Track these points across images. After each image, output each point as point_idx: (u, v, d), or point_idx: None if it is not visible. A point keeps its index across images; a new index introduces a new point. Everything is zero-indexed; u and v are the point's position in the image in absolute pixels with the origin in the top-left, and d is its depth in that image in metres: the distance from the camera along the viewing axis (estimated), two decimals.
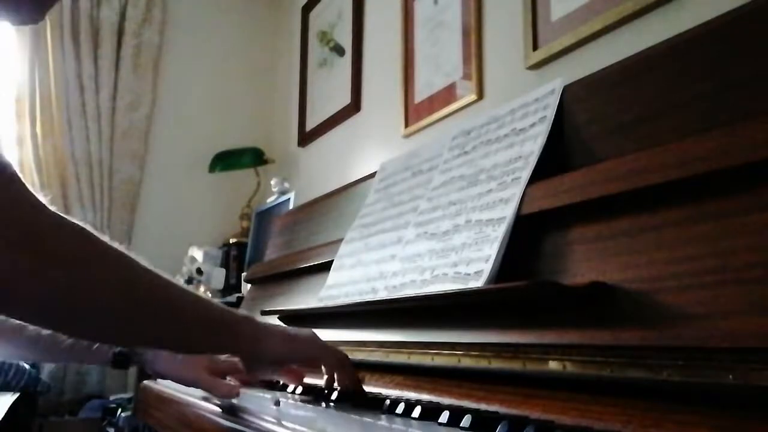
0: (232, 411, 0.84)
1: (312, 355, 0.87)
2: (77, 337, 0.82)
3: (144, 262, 0.71)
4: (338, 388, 0.90)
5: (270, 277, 1.54)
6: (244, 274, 2.05)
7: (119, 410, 2.31)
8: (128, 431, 2.17)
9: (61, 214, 0.61)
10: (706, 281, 0.55)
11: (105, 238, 0.66)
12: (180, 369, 1.02)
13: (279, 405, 0.86)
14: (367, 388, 0.91)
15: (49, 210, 0.59)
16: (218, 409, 0.88)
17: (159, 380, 1.26)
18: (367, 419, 0.74)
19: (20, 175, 0.57)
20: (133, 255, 0.70)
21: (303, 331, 0.87)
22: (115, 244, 0.67)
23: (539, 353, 0.67)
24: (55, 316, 0.63)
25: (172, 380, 1.08)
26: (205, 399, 0.96)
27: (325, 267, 1.23)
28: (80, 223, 0.62)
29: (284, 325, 0.91)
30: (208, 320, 0.76)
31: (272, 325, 0.84)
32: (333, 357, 0.89)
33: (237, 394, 0.94)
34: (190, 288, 0.95)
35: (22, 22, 0.68)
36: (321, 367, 0.90)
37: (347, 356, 0.91)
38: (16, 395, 2.17)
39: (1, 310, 0.62)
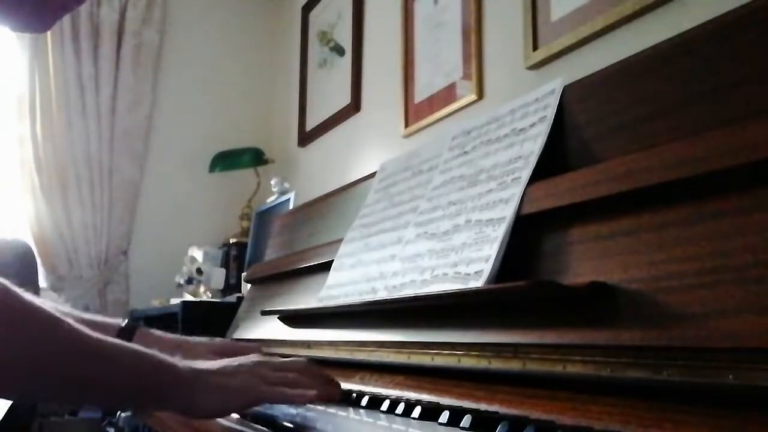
0: None
1: (254, 402, 0.75)
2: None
3: (76, 324, 0.66)
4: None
5: (270, 277, 1.54)
6: (244, 274, 2.05)
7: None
8: (128, 431, 2.17)
9: None
10: (706, 281, 0.55)
11: (43, 304, 0.63)
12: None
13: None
14: (367, 389, 0.91)
15: None
16: None
17: None
18: (368, 419, 0.74)
19: None
20: (63, 316, 0.65)
21: (243, 373, 0.75)
22: (46, 304, 0.64)
23: (539, 353, 0.67)
24: None
25: None
26: None
27: (325, 267, 1.23)
28: None
29: (222, 366, 0.76)
30: (142, 381, 0.70)
31: (208, 375, 0.73)
32: (275, 389, 0.75)
33: None
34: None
35: (24, 30, 0.68)
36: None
37: (305, 367, 0.80)
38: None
39: None
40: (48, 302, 0.67)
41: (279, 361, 0.80)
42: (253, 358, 0.79)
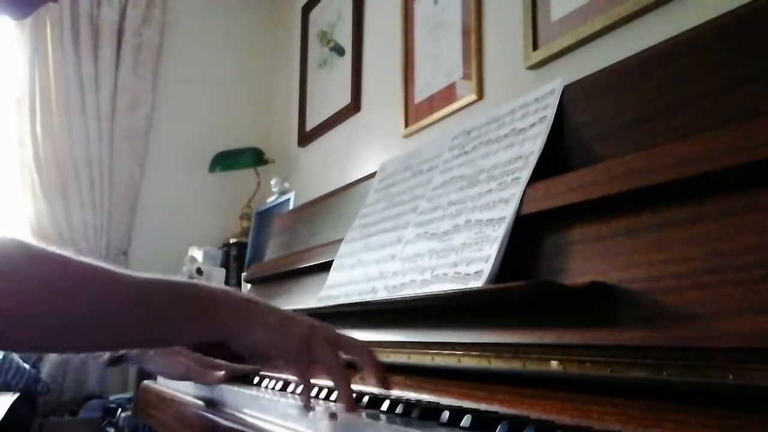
0: (230, 410, 0.84)
1: (304, 340, 0.71)
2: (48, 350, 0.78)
3: (96, 261, 0.66)
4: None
5: (270, 277, 1.54)
6: (244, 274, 2.05)
7: (119, 410, 2.32)
8: (128, 431, 2.17)
9: None
10: (706, 281, 0.55)
11: (43, 245, 0.63)
12: (169, 364, 1.02)
13: (336, 418, 0.73)
14: (367, 388, 0.91)
15: None
16: (218, 410, 0.88)
17: (159, 380, 1.26)
18: (368, 419, 0.74)
19: None
20: (80, 257, 0.65)
21: (306, 322, 0.72)
22: (57, 249, 0.64)
23: (539, 353, 0.67)
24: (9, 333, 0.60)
25: (163, 376, 1.09)
26: (207, 402, 0.96)
27: (325, 267, 1.23)
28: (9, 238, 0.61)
29: (290, 312, 0.74)
30: (189, 307, 0.69)
31: (260, 307, 0.72)
32: (331, 350, 0.72)
33: (227, 379, 0.94)
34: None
35: (3, 14, 0.68)
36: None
37: (335, 365, 0.72)
38: (16, 395, 2.17)
39: None
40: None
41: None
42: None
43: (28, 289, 0.60)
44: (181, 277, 0.72)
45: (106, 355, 1.11)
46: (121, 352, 1.08)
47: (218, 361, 0.99)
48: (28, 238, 0.65)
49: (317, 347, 0.71)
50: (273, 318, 0.71)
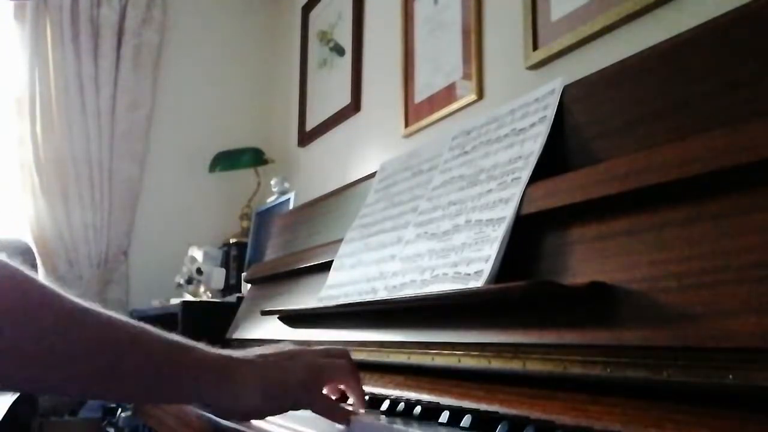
0: None
1: (298, 406, 0.70)
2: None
3: (101, 309, 0.61)
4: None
5: (270, 277, 1.54)
6: (244, 274, 2.05)
7: (119, 410, 2.31)
8: (128, 431, 2.17)
9: None
10: (706, 281, 0.55)
11: (52, 285, 0.58)
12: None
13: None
14: (367, 388, 0.91)
15: None
16: None
17: None
18: (368, 419, 0.74)
19: None
20: (89, 304, 0.60)
21: (289, 373, 0.68)
22: (67, 293, 0.59)
23: (539, 353, 0.67)
24: None
25: None
26: None
27: (325, 267, 1.23)
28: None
29: (270, 356, 0.70)
30: (181, 376, 0.63)
31: (248, 369, 0.66)
32: (319, 406, 0.71)
33: None
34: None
35: None
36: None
37: (332, 404, 0.73)
38: (16, 395, 2.17)
39: None
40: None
41: (327, 360, 0.73)
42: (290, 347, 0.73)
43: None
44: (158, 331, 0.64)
45: None
46: None
47: None
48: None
49: (317, 397, 0.71)
50: (264, 382, 0.67)
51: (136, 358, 0.61)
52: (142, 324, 0.63)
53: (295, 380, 0.68)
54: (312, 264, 1.32)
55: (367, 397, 0.83)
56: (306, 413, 0.77)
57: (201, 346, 0.66)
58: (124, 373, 0.61)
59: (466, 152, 0.99)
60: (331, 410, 0.71)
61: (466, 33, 1.88)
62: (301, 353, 0.72)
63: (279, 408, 0.68)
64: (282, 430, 0.72)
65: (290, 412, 0.70)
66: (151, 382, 0.62)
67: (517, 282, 0.72)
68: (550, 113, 0.84)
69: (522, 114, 0.90)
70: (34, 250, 2.71)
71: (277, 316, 1.29)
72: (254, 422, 0.77)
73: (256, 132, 3.24)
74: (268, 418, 0.75)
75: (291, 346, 0.73)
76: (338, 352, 0.75)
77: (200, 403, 0.69)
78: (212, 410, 0.71)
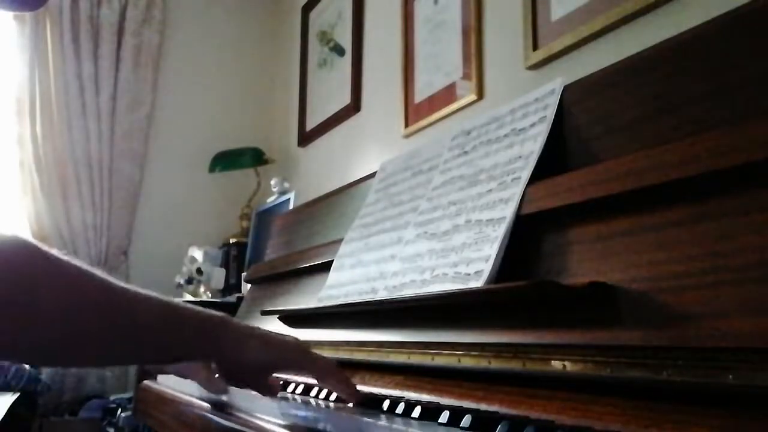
0: (230, 410, 0.84)
1: (297, 364, 0.81)
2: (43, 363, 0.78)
3: (105, 275, 0.65)
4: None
5: (270, 277, 1.54)
6: (244, 274, 2.05)
7: (119, 410, 2.32)
8: (128, 431, 2.17)
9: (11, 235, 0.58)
10: (706, 281, 0.55)
11: (58, 254, 0.62)
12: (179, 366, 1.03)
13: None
14: (367, 388, 0.91)
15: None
16: (218, 410, 0.88)
17: (159, 380, 1.26)
18: (367, 419, 0.74)
19: None
20: (92, 269, 0.64)
21: (287, 337, 0.80)
22: (73, 260, 0.63)
23: (539, 353, 0.67)
24: (23, 348, 0.60)
25: (172, 373, 1.11)
26: (213, 404, 0.96)
27: (325, 267, 1.23)
28: (28, 239, 0.60)
29: (266, 329, 0.81)
30: (183, 327, 0.71)
31: (254, 329, 0.78)
32: (318, 365, 0.81)
33: (226, 391, 0.95)
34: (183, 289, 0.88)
35: (19, 8, 0.67)
36: (307, 374, 0.84)
37: (333, 363, 0.84)
38: (16, 395, 2.17)
39: None
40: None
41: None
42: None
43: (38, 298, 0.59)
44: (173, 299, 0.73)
45: None
46: None
47: None
48: (34, 239, 0.63)
49: (315, 361, 0.79)
50: (271, 336, 0.77)
51: (145, 318, 0.66)
52: (146, 291, 0.68)
53: (292, 340, 0.78)
54: (312, 264, 1.32)
55: (367, 398, 0.84)
56: (305, 413, 0.77)
57: (211, 312, 0.74)
58: (134, 333, 0.66)
59: (466, 152, 0.99)
60: (332, 373, 0.80)
61: (466, 33, 1.88)
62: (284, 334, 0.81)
63: (282, 360, 0.77)
64: (282, 431, 0.72)
65: (289, 413, 0.70)
66: (158, 339, 0.69)
67: (517, 282, 0.72)
68: (550, 113, 0.84)
69: (522, 114, 0.90)
70: None
71: (277, 316, 1.29)
72: (255, 421, 0.77)
73: (256, 132, 3.24)
74: (269, 418, 0.75)
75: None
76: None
77: (206, 357, 0.78)
78: (220, 365, 0.77)
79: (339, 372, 0.82)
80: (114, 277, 0.66)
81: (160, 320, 0.68)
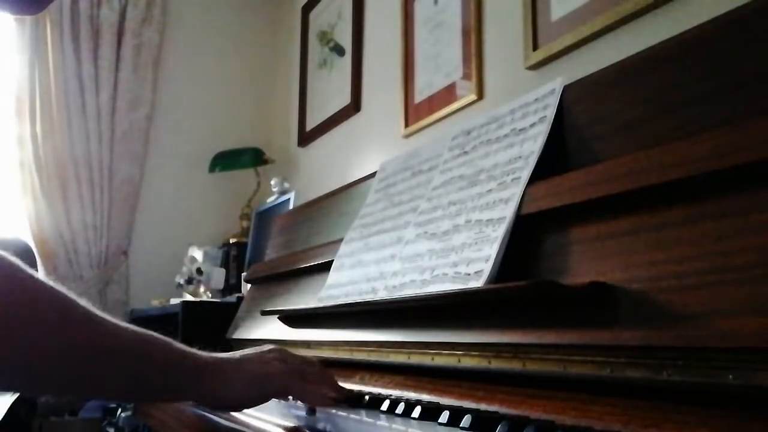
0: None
1: (283, 393, 0.79)
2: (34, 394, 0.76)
3: (89, 305, 0.63)
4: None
5: (270, 277, 1.54)
6: (244, 274, 2.05)
7: (119, 410, 2.31)
8: (128, 431, 2.17)
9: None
10: (706, 281, 0.55)
11: (44, 279, 0.60)
12: None
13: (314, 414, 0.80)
14: (367, 388, 0.91)
15: None
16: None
17: None
18: (367, 419, 0.74)
19: None
20: (76, 297, 0.62)
21: (272, 361, 0.77)
22: (56, 286, 0.61)
23: (539, 353, 0.67)
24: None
25: None
26: None
27: (325, 267, 1.23)
28: (9, 260, 0.57)
29: (252, 354, 0.78)
30: (165, 367, 0.68)
31: (239, 364, 0.75)
32: (306, 390, 0.79)
33: None
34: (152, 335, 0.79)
35: (20, 12, 0.67)
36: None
37: (322, 374, 0.83)
38: (16, 395, 2.17)
39: None
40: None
41: (300, 356, 0.83)
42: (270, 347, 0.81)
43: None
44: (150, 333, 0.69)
45: None
46: None
47: None
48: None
49: (302, 369, 0.79)
50: (253, 370, 0.76)
51: (143, 364, 0.65)
52: (144, 331, 0.67)
53: (274, 370, 0.76)
54: (312, 264, 1.32)
55: (367, 397, 0.84)
56: (304, 413, 0.77)
57: (194, 350, 0.72)
58: (114, 373, 0.64)
59: (466, 152, 0.99)
60: (306, 394, 0.79)
61: (466, 33, 1.88)
62: (279, 349, 0.81)
63: (264, 395, 0.77)
64: (277, 429, 0.72)
65: (289, 413, 0.70)
66: (155, 385, 0.69)
67: (517, 282, 0.72)
68: (550, 113, 0.84)
69: (522, 114, 0.90)
70: (34, 250, 2.71)
71: (277, 316, 1.29)
72: (253, 423, 0.77)
73: (256, 132, 3.24)
74: (268, 419, 0.75)
75: (270, 346, 0.82)
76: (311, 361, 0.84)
77: (197, 399, 0.76)
78: (208, 403, 0.78)
79: (329, 382, 0.82)
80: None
81: (136, 352, 0.66)
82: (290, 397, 0.83)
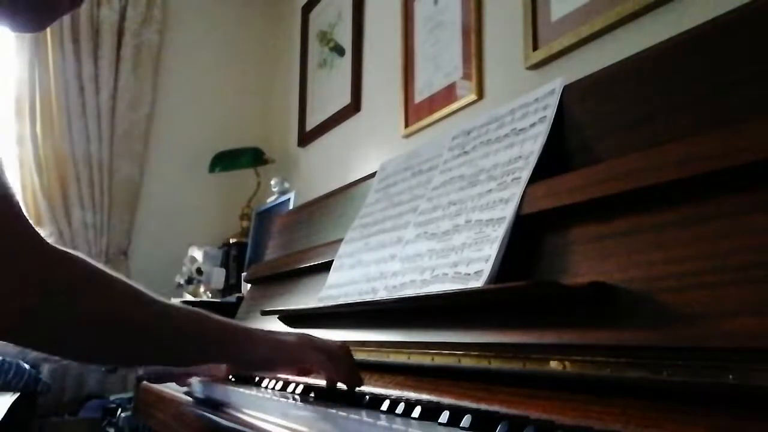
0: (231, 411, 0.84)
1: (300, 360, 0.88)
2: (83, 360, 0.94)
3: (137, 284, 0.75)
4: (335, 385, 0.90)
5: (270, 277, 1.54)
6: (244, 274, 2.05)
7: (119, 410, 2.31)
8: (128, 431, 2.17)
9: (60, 248, 0.68)
10: (706, 281, 0.55)
11: (101, 266, 0.72)
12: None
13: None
14: (367, 389, 0.91)
15: (49, 246, 0.67)
16: (218, 410, 0.88)
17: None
18: (367, 419, 0.74)
19: (23, 211, 0.68)
20: (126, 279, 0.74)
21: (294, 336, 0.89)
22: (111, 271, 0.73)
23: (539, 353, 0.67)
24: (61, 343, 0.70)
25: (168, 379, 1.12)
26: (207, 402, 0.96)
27: (325, 267, 1.23)
28: (77, 253, 0.70)
29: (280, 331, 0.93)
30: (201, 335, 0.81)
31: (264, 333, 0.88)
32: (322, 356, 0.88)
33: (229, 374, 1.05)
34: (189, 291, 0.96)
35: (20, 30, 0.68)
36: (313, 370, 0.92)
37: (342, 350, 0.90)
38: (16, 395, 2.17)
39: (10, 339, 0.68)
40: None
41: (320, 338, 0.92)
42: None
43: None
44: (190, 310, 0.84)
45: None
46: None
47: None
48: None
49: (318, 342, 0.89)
50: (273, 337, 0.88)
51: (177, 328, 0.78)
52: (171, 302, 0.81)
53: (293, 339, 0.88)
54: (312, 264, 1.32)
55: (367, 397, 0.84)
56: (305, 413, 0.77)
57: (229, 320, 0.87)
58: (167, 341, 0.78)
59: (466, 152, 0.99)
60: (323, 365, 0.88)
61: (466, 33, 1.88)
62: (303, 334, 0.92)
63: (283, 356, 0.87)
64: (282, 430, 0.72)
65: (289, 413, 0.70)
66: (186, 348, 0.81)
67: (517, 282, 0.72)
68: (550, 113, 0.84)
69: (522, 114, 0.90)
70: None
71: (277, 316, 1.29)
72: (254, 422, 0.77)
73: (256, 132, 3.24)
74: (268, 418, 0.75)
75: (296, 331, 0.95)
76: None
77: (229, 360, 0.89)
78: (238, 364, 0.92)
79: (345, 362, 0.89)
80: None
81: (185, 326, 0.80)
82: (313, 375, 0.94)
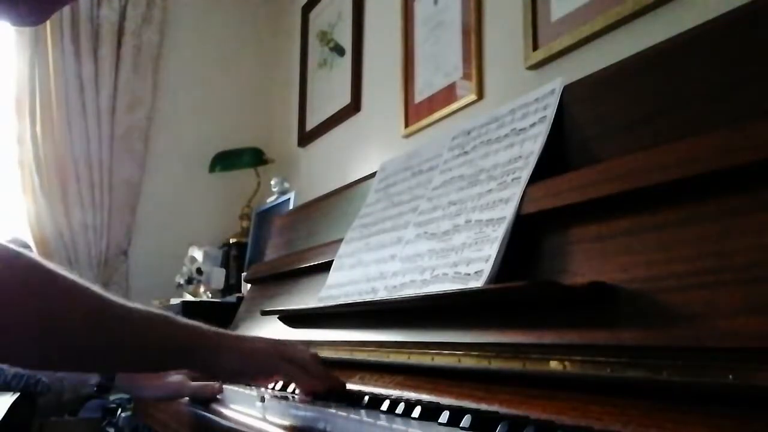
0: (230, 411, 0.84)
1: (269, 372, 0.88)
2: (32, 367, 0.87)
3: (105, 292, 0.73)
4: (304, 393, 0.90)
5: (270, 277, 1.54)
6: (244, 274, 2.05)
7: (119, 410, 2.31)
8: (128, 431, 2.17)
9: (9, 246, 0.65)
10: (706, 281, 0.55)
11: (53, 266, 0.68)
12: (160, 386, 1.03)
13: (264, 401, 0.89)
14: (367, 388, 0.91)
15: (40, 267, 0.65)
16: (218, 411, 0.88)
17: None
18: (368, 419, 0.74)
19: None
20: (94, 287, 0.72)
21: (266, 344, 0.87)
22: (76, 277, 0.70)
23: (539, 353, 0.67)
24: (35, 356, 0.68)
25: (154, 398, 1.11)
26: (213, 405, 0.96)
27: (325, 267, 1.23)
28: (24, 251, 0.66)
29: (254, 337, 0.91)
30: (160, 340, 0.77)
31: (235, 340, 0.85)
32: (293, 368, 0.86)
33: (221, 390, 1.00)
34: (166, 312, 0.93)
35: (20, 23, 0.68)
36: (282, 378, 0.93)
37: (313, 358, 0.89)
38: (16, 395, 2.17)
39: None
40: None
41: (292, 345, 0.91)
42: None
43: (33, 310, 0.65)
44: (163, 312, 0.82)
45: (94, 380, 1.15)
46: (109, 379, 1.13)
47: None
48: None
49: (289, 352, 0.87)
50: (243, 346, 0.84)
51: (138, 332, 0.74)
52: (138, 305, 0.76)
53: (262, 347, 0.86)
54: (312, 264, 1.32)
55: (367, 397, 0.84)
56: (305, 413, 0.77)
57: (197, 324, 0.81)
58: (126, 347, 0.74)
59: (466, 152, 0.99)
60: (300, 379, 0.87)
61: (466, 33, 1.88)
62: (267, 338, 0.90)
63: (252, 367, 0.84)
64: (280, 431, 0.72)
65: (293, 413, 0.70)
66: (149, 354, 0.77)
67: (517, 282, 0.72)
68: (550, 113, 0.84)
69: (522, 114, 0.90)
70: (34, 250, 2.71)
71: (277, 316, 1.29)
72: (253, 423, 0.77)
73: (256, 132, 3.24)
74: (268, 418, 0.75)
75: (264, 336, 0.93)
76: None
77: (196, 367, 0.88)
78: (206, 372, 0.89)
79: (315, 369, 0.88)
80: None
81: (147, 330, 0.75)
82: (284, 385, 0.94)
